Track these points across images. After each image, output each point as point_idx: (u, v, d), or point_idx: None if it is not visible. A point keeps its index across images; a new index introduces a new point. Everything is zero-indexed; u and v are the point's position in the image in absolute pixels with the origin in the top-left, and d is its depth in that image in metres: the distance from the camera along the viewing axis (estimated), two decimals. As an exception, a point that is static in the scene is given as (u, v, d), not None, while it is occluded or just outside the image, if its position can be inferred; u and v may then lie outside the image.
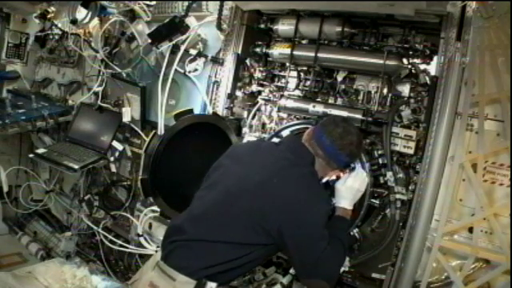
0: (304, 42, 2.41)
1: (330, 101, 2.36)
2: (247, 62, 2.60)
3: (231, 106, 2.58)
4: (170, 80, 2.71)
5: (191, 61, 2.68)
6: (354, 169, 1.84)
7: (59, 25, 3.64)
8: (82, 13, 3.10)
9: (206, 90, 2.66)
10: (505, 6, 1.69)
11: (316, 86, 2.36)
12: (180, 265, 1.59)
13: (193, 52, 2.65)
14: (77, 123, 3.38)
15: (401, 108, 2.08)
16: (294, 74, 2.45)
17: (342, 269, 1.73)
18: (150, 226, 2.86)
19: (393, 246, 1.97)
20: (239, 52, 2.57)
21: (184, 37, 2.62)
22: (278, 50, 2.43)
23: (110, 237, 3.14)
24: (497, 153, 1.76)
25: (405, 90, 2.13)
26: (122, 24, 3.15)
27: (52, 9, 3.71)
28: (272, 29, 2.45)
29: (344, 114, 2.11)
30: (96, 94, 3.25)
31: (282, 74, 2.52)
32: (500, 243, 1.70)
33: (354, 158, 1.81)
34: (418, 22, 2.02)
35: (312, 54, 2.28)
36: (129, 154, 3.17)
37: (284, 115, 2.47)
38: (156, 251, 2.68)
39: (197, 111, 2.60)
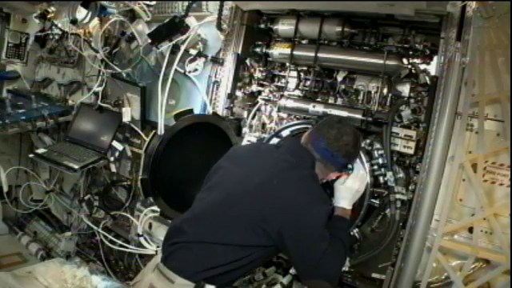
0: (304, 41, 2.41)
1: (330, 101, 2.36)
2: (247, 62, 2.60)
3: (231, 105, 2.58)
4: (169, 80, 2.71)
5: (191, 61, 2.69)
6: (352, 169, 1.83)
7: (59, 25, 3.65)
8: (81, 13, 3.11)
9: (206, 90, 2.66)
10: (505, 5, 1.69)
11: (316, 86, 2.36)
12: (179, 267, 1.59)
13: (193, 52, 2.65)
14: (77, 123, 3.38)
15: (401, 108, 2.08)
16: (294, 73, 2.45)
17: (343, 269, 1.73)
18: (150, 226, 2.86)
19: (393, 246, 1.97)
20: (239, 52, 2.57)
21: (184, 37, 2.62)
22: (278, 50, 2.43)
23: (110, 237, 3.14)
24: (497, 153, 1.76)
25: (405, 89, 2.13)
26: (122, 24, 3.15)
27: (52, 9, 3.71)
28: (272, 29, 2.45)
29: (344, 114, 2.11)
30: (96, 94, 3.26)
31: (282, 74, 2.52)
32: (500, 243, 1.70)
33: (352, 159, 1.81)
34: (417, 22, 2.02)
35: (312, 54, 2.28)
36: (129, 153, 3.17)
37: (284, 115, 2.47)
38: (156, 251, 2.69)
39: (197, 111, 2.60)
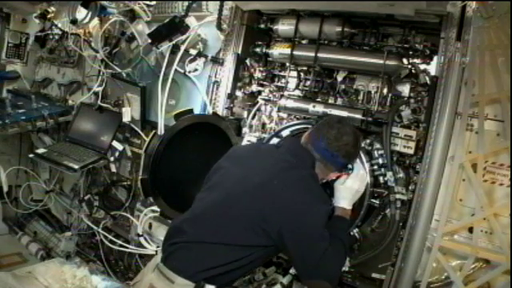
0: (304, 42, 2.41)
1: (330, 101, 2.36)
2: (247, 62, 2.60)
3: (231, 106, 2.58)
4: (169, 80, 2.71)
5: (191, 61, 2.68)
6: (352, 169, 1.83)
7: (59, 25, 3.65)
8: (82, 13, 3.11)
9: (206, 90, 2.66)
10: (505, 5, 1.69)
11: (316, 86, 2.36)
12: (179, 267, 1.59)
13: (193, 52, 2.65)
14: (77, 123, 3.38)
15: (401, 108, 2.08)
16: (294, 73, 2.45)
17: (343, 269, 1.73)
18: (150, 226, 2.86)
19: (393, 246, 1.97)
20: (239, 52, 2.57)
21: (184, 37, 2.62)
22: (278, 50, 2.43)
23: (110, 237, 3.14)
24: (497, 153, 1.76)
25: (405, 89, 2.13)
26: (122, 24, 3.15)
27: (52, 9, 3.71)
28: (272, 29, 2.45)
29: (344, 114, 2.11)
30: (96, 94, 3.26)
31: (282, 74, 2.52)
32: (500, 243, 1.70)
33: (352, 158, 1.80)
34: (418, 22, 2.02)
35: (312, 54, 2.28)
36: (129, 153, 3.17)
37: (284, 115, 2.47)
38: (156, 251, 2.69)
39: (197, 111, 2.60)
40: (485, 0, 1.72)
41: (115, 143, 3.12)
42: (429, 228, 1.85)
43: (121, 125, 3.10)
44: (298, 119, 2.37)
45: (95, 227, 3.26)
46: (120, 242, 3.08)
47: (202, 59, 2.66)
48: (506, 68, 1.72)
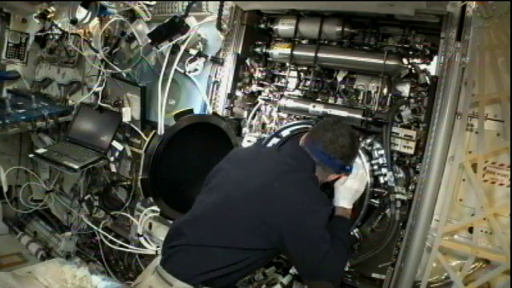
0: (304, 42, 2.41)
1: (330, 101, 2.36)
2: (247, 61, 2.60)
3: (231, 105, 2.58)
4: (169, 80, 2.71)
5: (191, 61, 2.68)
6: (351, 169, 1.83)
7: (59, 25, 3.65)
8: (82, 13, 3.10)
9: (206, 90, 2.66)
10: (505, 5, 1.69)
11: (316, 86, 2.36)
12: (177, 270, 1.59)
13: (193, 52, 2.65)
14: (77, 123, 3.38)
15: (401, 108, 2.08)
16: (294, 73, 2.45)
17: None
18: (150, 226, 2.87)
19: (393, 246, 1.97)
20: (239, 52, 2.57)
21: (184, 37, 2.62)
22: (278, 50, 2.43)
23: (110, 237, 3.14)
24: (497, 153, 1.76)
25: (405, 89, 2.13)
26: (122, 24, 3.15)
27: (52, 9, 3.71)
28: (272, 29, 2.45)
29: (344, 114, 2.11)
30: (96, 94, 3.25)
31: (282, 74, 2.52)
32: (500, 243, 1.70)
33: (349, 160, 1.79)
34: (418, 22, 2.02)
35: (312, 54, 2.28)
36: (129, 153, 3.17)
37: (284, 115, 2.47)
38: (156, 252, 2.69)
39: (197, 111, 2.60)
40: (485, 0, 1.72)
41: (115, 143, 3.12)
42: (429, 228, 1.85)
43: (121, 125, 3.10)
44: (298, 119, 2.37)
45: (95, 227, 3.26)
46: (120, 242, 3.07)
47: (202, 59, 2.66)
48: (506, 68, 1.72)
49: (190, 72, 2.69)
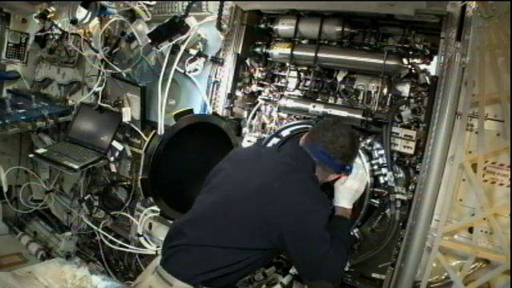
0: (304, 41, 2.41)
1: (330, 101, 2.36)
2: (247, 62, 2.60)
3: (231, 105, 2.58)
4: (169, 80, 2.71)
5: (191, 61, 2.68)
6: (351, 169, 1.83)
7: (59, 25, 3.64)
8: (82, 13, 3.10)
9: (206, 90, 2.66)
10: (505, 5, 1.69)
11: (316, 86, 2.36)
12: (177, 271, 1.59)
13: (193, 52, 2.65)
14: (77, 123, 3.38)
15: (401, 108, 2.08)
16: (294, 74, 2.45)
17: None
18: (150, 226, 2.87)
19: (393, 246, 1.97)
20: (239, 52, 2.57)
21: (184, 37, 2.62)
22: (278, 50, 2.43)
23: (110, 237, 3.14)
24: (497, 153, 1.76)
25: (405, 90, 2.13)
26: (122, 24, 3.15)
27: (52, 9, 3.71)
28: (272, 29, 2.45)
29: (344, 114, 2.11)
30: (96, 94, 3.25)
31: (282, 74, 2.52)
32: (500, 243, 1.70)
33: (349, 160, 1.79)
34: (417, 22, 2.02)
35: (312, 54, 2.28)
36: (129, 153, 3.17)
37: (284, 115, 2.47)
38: (156, 252, 2.69)
39: (197, 111, 2.60)
40: (485, 0, 1.72)
41: (115, 143, 3.12)
42: (429, 228, 1.85)
43: (121, 125, 3.10)
44: (298, 119, 2.37)
45: (95, 227, 3.26)
46: (120, 241, 3.07)
47: (202, 59, 2.66)
48: (506, 68, 1.72)
49: (189, 72, 2.69)
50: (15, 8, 3.88)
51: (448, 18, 1.87)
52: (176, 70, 2.71)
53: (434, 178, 1.84)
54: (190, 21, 2.64)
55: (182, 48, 2.63)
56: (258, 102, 2.59)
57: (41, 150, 3.25)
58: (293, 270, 2.17)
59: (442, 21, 1.91)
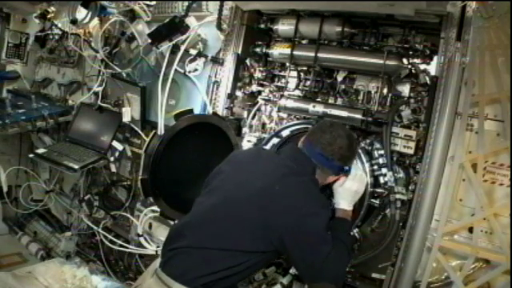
0: (304, 41, 2.41)
1: (330, 101, 2.36)
2: (247, 62, 2.60)
3: (231, 105, 2.58)
4: (169, 80, 2.71)
5: (191, 61, 2.68)
6: (349, 170, 1.82)
7: (59, 25, 3.64)
8: (82, 13, 3.10)
9: (206, 90, 2.66)
10: (505, 5, 1.69)
11: (316, 86, 2.36)
12: (177, 273, 1.58)
13: (193, 52, 2.65)
14: (77, 123, 3.38)
15: (401, 108, 2.08)
16: (294, 73, 2.45)
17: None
18: (150, 225, 2.86)
19: (393, 246, 1.98)
20: (239, 52, 2.57)
21: (184, 37, 2.62)
22: (278, 50, 2.43)
23: (110, 237, 3.14)
24: (497, 153, 1.76)
25: (405, 90, 2.13)
26: (122, 24, 3.15)
27: (52, 9, 3.71)
28: (272, 29, 2.45)
29: (344, 113, 2.11)
30: (96, 94, 3.25)
31: (282, 74, 2.52)
32: (500, 243, 1.70)
33: (348, 161, 1.79)
34: (418, 22, 2.02)
35: (312, 54, 2.28)
36: (129, 153, 3.17)
37: (284, 115, 2.47)
38: (156, 252, 2.69)
39: (197, 111, 2.60)
40: (485, 0, 1.72)
41: (115, 143, 3.12)
42: (429, 228, 1.85)
43: (121, 125, 3.10)
44: (298, 119, 2.37)
45: (95, 227, 3.26)
46: (120, 241, 3.07)
47: (202, 59, 2.66)
48: (506, 68, 1.72)
49: (189, 72, 2.69)
50: (15, 8, 3.88)
51: (448, 18, 1.87)
52: (176, 69, 2.71)
53: (434, 178, 1.84)
54: (190, 21, 2.64)
55: (182, 48, 2.63)
56: (258, 101, 2.59)
57: (41, 150, 3.24)
58: (293, 270, 2.17)
59: (441, 21, 1.91)
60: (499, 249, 1.70)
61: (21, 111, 3.37)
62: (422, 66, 2.06)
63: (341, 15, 2.19)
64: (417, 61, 2.07)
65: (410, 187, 1.98)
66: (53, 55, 3.83)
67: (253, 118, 2.61)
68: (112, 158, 3.14)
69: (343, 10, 2.14)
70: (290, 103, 2.32)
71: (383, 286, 1.95)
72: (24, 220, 3.96)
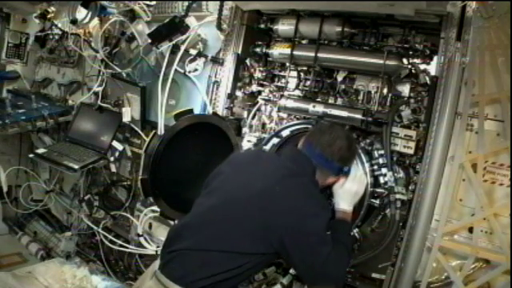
0: (304, 42, 2.41)
1: (330, 101, 2.36)
2: (247, 62, 2.60)
3: (231, 105, 2.58)
4: (169, 80, 2.71)
5: (191, 61, 2.68)
6: (349, 171, 1.82)
7: (59, 25, 3.64)
8: (82, 13, 3.10)
9: (206, 90, 2.66)
10: (505, 5, 1.69)
11: (316, 86, 2.36)
12: (176, 275, 1.57)
13: (193, 52, 2.65)
14: (77, 123, 3.38)
15: (401, 108, 2.08)
16: (294, 73, 2.45)
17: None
18: (150, 225, 2.87)
19: (393, 246, 1.97)
20: (239, 52, 2.57)
21: (184, 37, 2.62)
22: (278, 50, 2.43)
23: (110, 237, 3.14)
24: (497, 153, 1.76)
25: (405, 90, 2.13)
26: (122, 24, 3.15)
27: (52, 9, 3.71)
28: (272, 29, 2.45)
29: (344, 114, 2.11)
30: (96, 94, 3.25)
31: (282, 74, 2.52)
32: (500, 243, 1.70)
33: (347, 162, 1.79)
34: (418, 22, 2.02)
35: (312, 54, 2.28)
36: (129, 153, 3.17)
37: (284, 115, 2.47)
38: (156, 252, 2.69)
39: (197, 111, 2.60)
40: (485, 0, 1.72)
41: (115, 143, 3.12)
42: (429, 228, 1.85)
43: (121, 125, 3.10)
44: (298, 119, 2.37)
45: (95, 227, 3.26)
46: (120, 242, 3.07)
47: (202, 59, 2.66)
48: (506, 68, 1.72)
49: (189, 72, 2.69)
50: (15, 8, 3.88)
51: (448, 18, 1.87)
52: (176, 69, 2.71)
53: (434, 178, 1.84)
54: (190, 21, 2.64)
55: (182, 48, 2.63)
56: (258, 101, 2.59)
57: (41, 150, 3.24)
58: (293, 270, 2.17)
59: (441, 21, 1.91)
60: (499, 249, 1.70)
61: (21, 111, 3.37)
62: (422, 66, 2.06)
63: (341, 15, 2.19)
64: (417, 61, 2.07)
65: (409, 187, 1.98)
66: (53, 55, 3.83)
67: (253, 118, 2.60)
68: (112, 158, 3.14)
69: (343, 10, 2.14)
70: (290, 103, 2.32)
71: (383, 285, 1.95)
72: (24, 220, 3.96)
